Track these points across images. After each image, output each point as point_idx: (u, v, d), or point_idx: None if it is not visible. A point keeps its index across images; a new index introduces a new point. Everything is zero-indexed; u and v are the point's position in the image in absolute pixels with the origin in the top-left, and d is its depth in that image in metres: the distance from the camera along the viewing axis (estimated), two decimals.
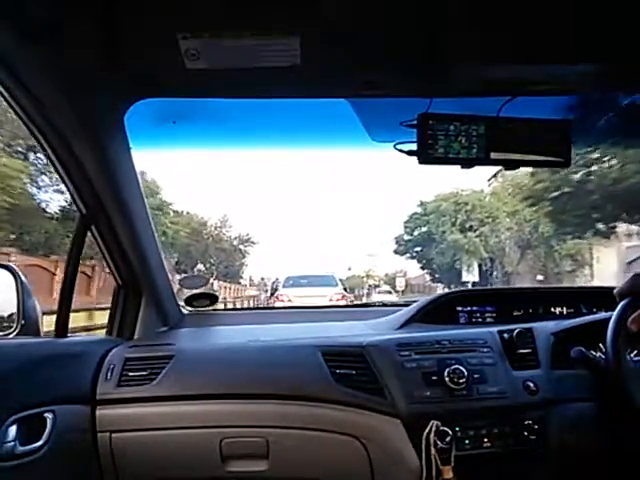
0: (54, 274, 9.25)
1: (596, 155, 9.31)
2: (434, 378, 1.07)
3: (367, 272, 25.56)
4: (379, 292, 19.51)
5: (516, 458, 1.06)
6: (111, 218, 1.16)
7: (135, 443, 1.09)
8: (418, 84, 1.02)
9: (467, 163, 1.04)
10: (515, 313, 1.46)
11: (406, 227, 22.91)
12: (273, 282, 15.30)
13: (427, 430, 1.00)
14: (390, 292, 19.65)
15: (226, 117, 1.19)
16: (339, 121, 1.17)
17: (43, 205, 10.38)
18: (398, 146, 1.04)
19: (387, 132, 1.12)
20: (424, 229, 21.82)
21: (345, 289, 11.10)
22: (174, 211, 18.14)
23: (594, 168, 10.09)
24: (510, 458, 1.06)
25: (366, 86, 0.99)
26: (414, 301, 1.53)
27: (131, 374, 1.13)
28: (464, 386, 1.06)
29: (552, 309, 1.48)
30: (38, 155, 9.28)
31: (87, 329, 4.79)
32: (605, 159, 9.73)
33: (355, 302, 11.24)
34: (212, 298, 1.60)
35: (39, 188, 10.05)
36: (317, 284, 9.27)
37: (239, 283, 22.62)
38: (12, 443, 0.88)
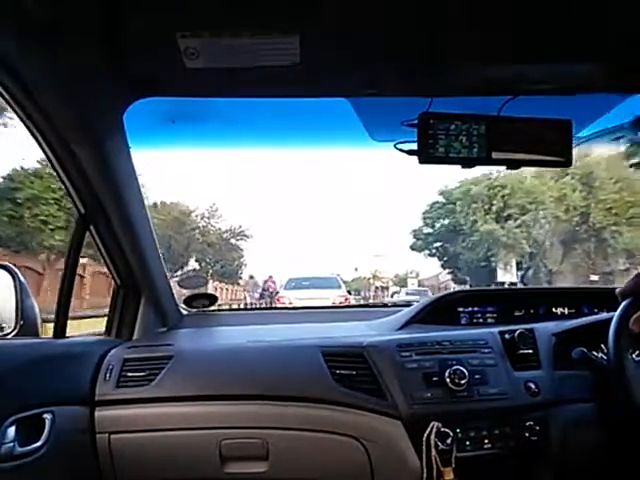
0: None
1: None
2: (435, 379, 1.07)
3: (373, 273, 24.33)
4: (407, 294, 16.13)
5: (517, 459, 1.06)
6: (110, 218, 1.15)
7: (134, 444, 1.09)
8: (418, 83, 1.01)
9: (468, 163, 1.03)
10: (516, 314, 1.46)
11: (426, 218, 19.63)
12: (265, 281, 14.43)
13: (428, 431, 1.00)
14: (418, 293, 15.58)
15: (226, 116, 1.19)
16: (339, 120, 1.17)
17: None
18: (398, 146, 1.04)
19: (387, 131, 1.12)
20: (447, 221, 18.44)
21: (349, 291, 10.97)
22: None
23: None
24: (511, 459, 1.06)
25: (366, 85, 0.99)
26: (415, 301, 1.53)
27: (130, 375, 1.12)
28: (465, 387, 1.05)
29: (553, 309, 1.47)
30: None
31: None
32: None
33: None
34: (211, 298, 1.60)
35: None
36: (320, 286, 9.19)
37: (238, 284, 21.60)
38: (11, 444, 0.88)
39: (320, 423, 1.07)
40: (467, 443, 1.02)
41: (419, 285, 20.33)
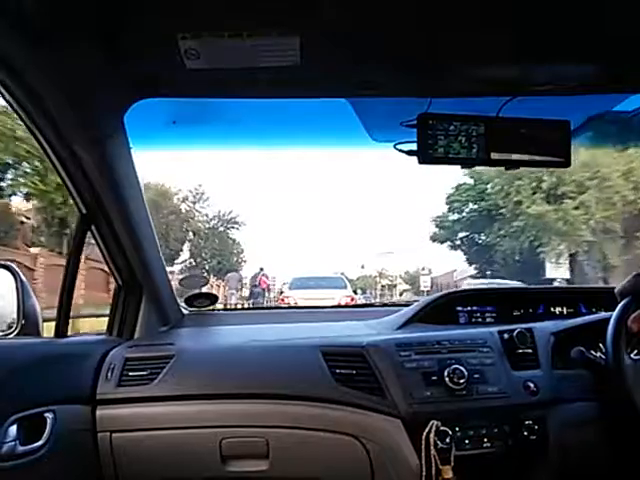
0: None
1: None
2: (434, 378, 1.07)
3: (380, 271, 23.18)
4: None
5: (516, 458, 1.06)
6: (111, 218, 1.16)
7: (135, 443, 1.09)
8: (418, 84, 1.02)
9: (467, 163, 1.04)
10: (515, 313, 1.46)
11: (450, 204, 16.68)
12: (254, 276, 13.61)
13: (427, 430, 1.00)
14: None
15: (227, 117, 1.19)
16: (339, 121, 1.17)
17: None
18: (398, 146, 1.04)
19: (387, 132, 1.12)
20: (477, 205, 15.25)
21: (355, 291, 10.81)
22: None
23: None
24: (510, 458, 1.06)
25: (366, 86, 0.99)
26: (414, 301, 1.53)
27: (131, 374, 1.13)
28: (464, 386, 1.05)
29: (552, 309, 1.48)
30: None
31: None
32: None
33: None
34: (212, 298, 1.60)
35: None
36: (325, 286, 9.14)
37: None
38: (12, 443, 0.88)
39: (320, 422, 1.08)
40: (466, 442, 1.03)
41: (432, 283, 17.65)
